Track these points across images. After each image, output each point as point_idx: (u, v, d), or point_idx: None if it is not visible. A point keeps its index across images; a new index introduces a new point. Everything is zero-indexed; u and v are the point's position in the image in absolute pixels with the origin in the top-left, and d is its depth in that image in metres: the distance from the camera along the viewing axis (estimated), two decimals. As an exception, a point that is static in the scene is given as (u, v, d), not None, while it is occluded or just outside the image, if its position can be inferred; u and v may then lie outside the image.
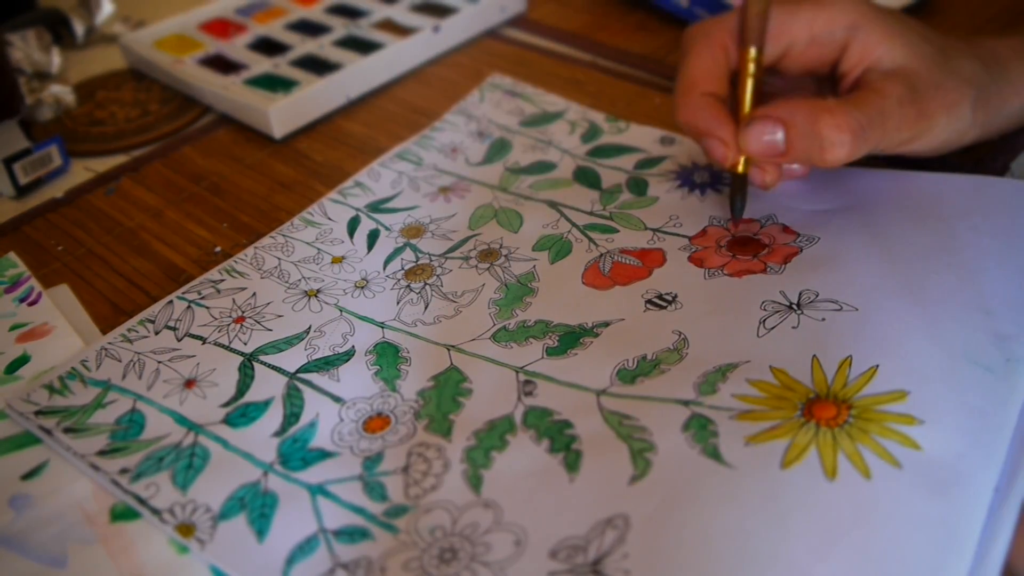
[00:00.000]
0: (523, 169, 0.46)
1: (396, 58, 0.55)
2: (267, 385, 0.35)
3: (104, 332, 0.38)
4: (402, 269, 0.40)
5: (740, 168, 0.38)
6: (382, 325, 0.37)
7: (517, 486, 0.30)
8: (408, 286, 0.39)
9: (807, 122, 0.35)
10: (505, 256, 0.40)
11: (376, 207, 0.44)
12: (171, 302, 0.39)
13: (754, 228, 0.40)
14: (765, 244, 0.38)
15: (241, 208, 0.45)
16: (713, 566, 0.26)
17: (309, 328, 0.37)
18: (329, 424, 0.33)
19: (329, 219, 0.43)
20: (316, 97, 0.51)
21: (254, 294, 0.39)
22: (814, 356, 0.32)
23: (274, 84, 0.52)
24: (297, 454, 0.32)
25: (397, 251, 0.41)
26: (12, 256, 0.42)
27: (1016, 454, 0.28)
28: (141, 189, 0.47)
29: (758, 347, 0.33)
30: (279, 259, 0.41)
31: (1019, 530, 0.26)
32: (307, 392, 0.34)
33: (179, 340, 0.37)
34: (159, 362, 0.36)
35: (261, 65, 0.54)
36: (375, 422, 0.33)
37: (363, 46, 0.56)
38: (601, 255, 0.39)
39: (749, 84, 0.38)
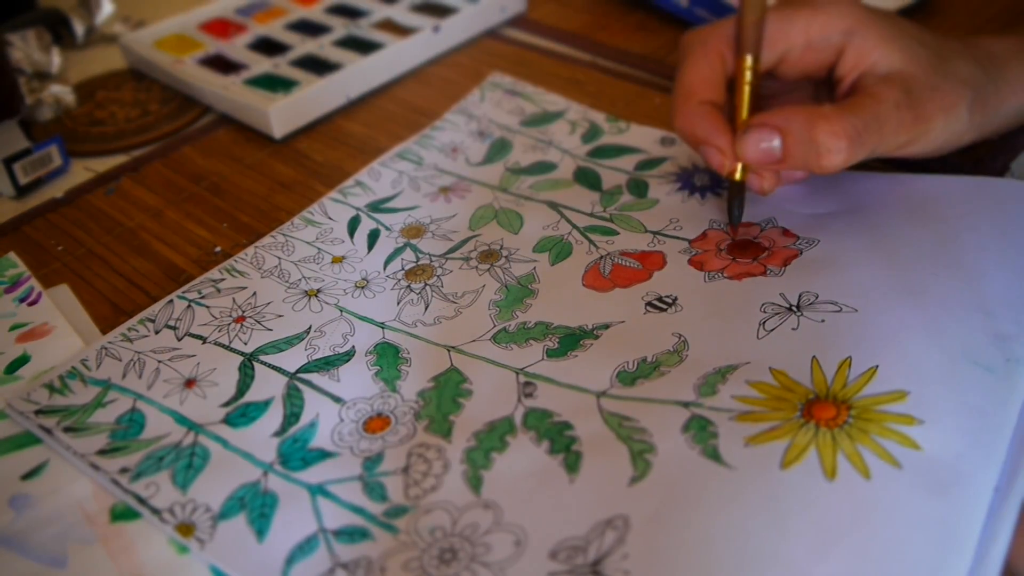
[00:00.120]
0: (523, 169, 0.46)
1: (396, 58, 0.55)
2: (267, 385, 0.35)
3: (104, 332, 0.38)
4: (402, 269, 0.40)
5: (738, 175, 0.38)
6: (382, 325, 0.37)
7: (517, 487, 0.30)
8: (408, 286, 0.39)
9: (803, 129, 0.35)
10: (505, 257, 0.40)
11: (376, 207, 0.44)
12: (171, 301, 0.39)
13: (754, 231, 0.40)
14: (765, 247, 0.38)
15: (241, 208, 0.45)
16: (713, 566, 0.26)
17: (309, 328, 0.37)
18: (329, 424, 0.33)
19: (329, 218, 0.43)
20: (316, 97, 0.51)
21: (254, 294, 0.39)
22: (814, 357, 0.32)
23: (274, 84, 0.52)
24: (297, 454, 0.32)
25: (397, 251, 0.41)
26: (12, 256, 0.42)
27: (1016, 454, 0.28)
28: (141, 189, 0.47)
29: (758, 349, 0.33)
30: (279, 258, 0.41)
31: (1019, 530, 0.26)
32: (307, 392, 0.34)
33: (179, 339, 0.37)
34: (159, 361, 0.36)
35: (261, 65, 0.54)
36: (375, 422, 0.33)
37: (363, 46, 0.56)
38: (601, 257, 0.39)
39: (746, 92, 0.38)
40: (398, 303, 0.38)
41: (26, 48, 0.56)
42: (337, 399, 0.34)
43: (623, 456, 0.30)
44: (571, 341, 0.35)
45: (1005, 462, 0.28)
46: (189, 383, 0.35)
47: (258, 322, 0.37)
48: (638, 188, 0.44)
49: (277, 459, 0.32)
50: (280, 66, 0.54)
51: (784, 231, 0.39)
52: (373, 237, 0.42)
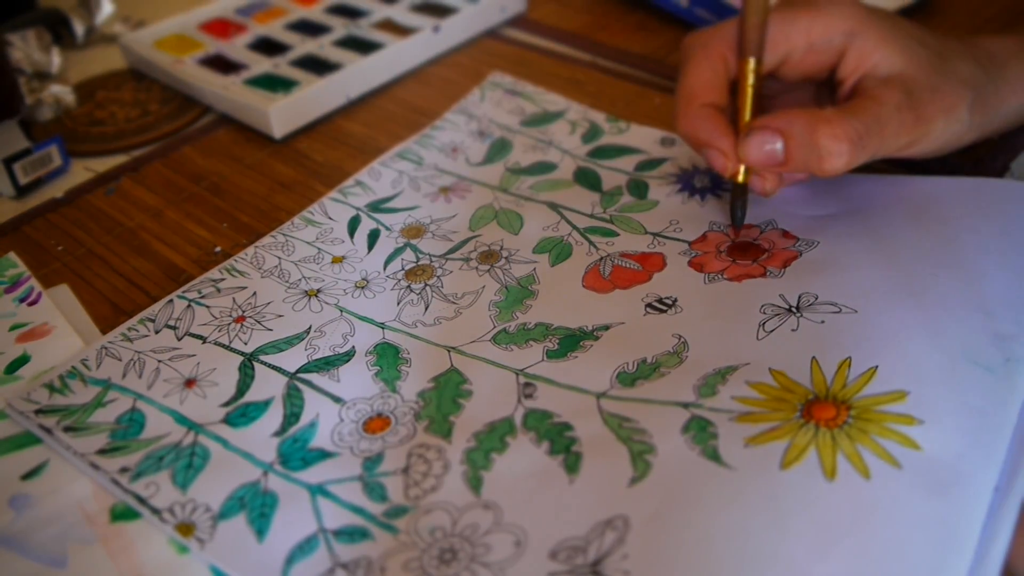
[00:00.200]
0: (524, 169, 0.46)
1: (396, 58, 0.55)
2: (267, 385, 0.35)
3: (104, 332, 0.38)
4: (402, 269, 0.40)
5: (740, 177, 0.38)
6: (382, 326, 0.37)
7: (517, 487, 0.30)
8: (408, 287, 0.39)
9: (805, 132, 0.35)
10: (505, 258, 0.40)
11: (376, 207, 0.44)
12: (171, 301, 0.39)
13: (754, 233, 0.40)
14: (765, 249, 0.38)
15: (241, 208, 0.45)
16: (713, 567, 0.26)
17: (309, 328, 0.37)
18: (329, 424, 0.33)
19: (329, 218, 0.43)
20: (316, 97, 0.51)
21: (254, 293, 0.39)
22: (813, 358, 0.32)
23: (274, 84, 0.52)
24: (297, 454, 0.32)
25: (397, 251, 0.41)
26: (12, 256, 0.42)
27: (1016, 454, 0.28)
28: (141, 189, 0.47)
29: (757, 350, 0.33)
30: (279, 258, 0.41)
31: (1019, 530, 0.26)
32: (307, 392, 0.34)
33: (179, 339, 0.37)
34: (159, 361, 0.36)
35: (261, 65, 0.54)
36: (375, 423, 0.33)
37: (363, 46, 0.56)
38: (601, 258, 0.39)
39: (748, 94, 0.38)
40: (398, 303, 0.38)
41: (26, 48, 0.56)
42: (337, 399, 0.34)
43: (623, 457, 0.30)
44: (571, 342, 0.35)
45: (1005, 462, 0.28)
46: (189, 383, 0.35)
47: (258, 322, 0.37)
48: (638, 189, 0.44)
49: (277, 459, 0.32)
50: (280, 66, 0.54)
51: (784, 233, 0.39)
52: (373, 237, 0.42)
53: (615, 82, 0.53)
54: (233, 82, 0.53)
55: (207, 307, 0.38)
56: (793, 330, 0.34)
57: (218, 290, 0.39)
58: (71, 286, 0.41)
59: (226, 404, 0.34)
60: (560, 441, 0.31)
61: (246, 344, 0.36)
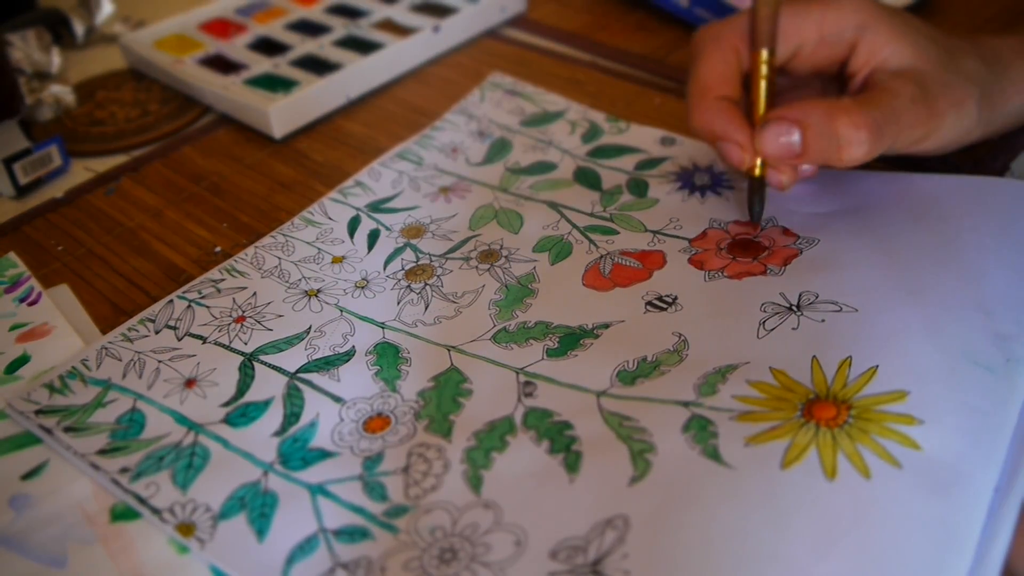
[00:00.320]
0: (523, 169, 0.46)
1: (396, 58, 0.55)
2: (267, 385, 0.35)
3: (104, 332, 0.38)
4: (402, 269, 0.40)
5: (757, 171, 0.38)
6: (382, 325, 0.37)
7: (517, 487, 0.30)
8: (408, 286, 0.39)
9: (824, 122, 0.35)
10: (505, 257, 0.40)
11: (376, 207, 0.44)
12: (171, 301, 0.39)
13: (754, 231, 0.40)
14: (765, 246, 0.38)
15: (241, 208, 0.45)
16: (713, 566, 0.26)
17: (309, 328, 0.37)
18: (329, 424, 0.33)
19: (329, 219, 0.43)
20: (316, 97, 0.51)
21: (254, 294, 0.39)
22: (814, 357, 0.32)
23: (274, 84, 0.52)
24: (297, 454, 0.32)
25: (397, 251, 0.41)
26: (12, 256, 0.42)
27: (1016, 454, 0.28)
28: (141, 189, 0.47)
29: (758, 348, 0.33)
30: (279, 259, 0.41)
31: (1019, 530, 0.26)
32: (307, 392, 0.34)
33: (179, 339, 0.37)
34: (159, 361, 0.36)
35: (261, 65, 0.54)
36: (375, 422, 0.33)
37: (363, 46, 0.56)
38: (601, 257, 0.39)
39: (762, 86, 0.38)
40: (398, 303, 0.38)
41: (26, 48, 0.56)
42: (337, 399, 0.34)
43: (623, 456, 0.30)
44: (571, 341, 0.35)
45: (1005, 462, 0.28)
46: (189, 383, 0.35)
47: (258, 322, 0.37)
48: (638, 188, 0.44)
49: (277, 459, 0.32)
50: (280, 66, 0.54)
51: (784, 230, 0.39)
52: (373, 237, 0.42)
53: (615, 82, 0.53)
54: (233, 82, 0.53)
55: (207, 307, 0.38)
56: (793, 329, 0.34)
57: (218, 290, 0.39)
58: (71, 286, 0.41)
59: (226, 404, 0.34)
60: (560, 440, 0.31)
61: (246, 344, 0.36)
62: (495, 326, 0.36)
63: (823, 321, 0.34)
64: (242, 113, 0.51)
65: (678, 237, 0.40)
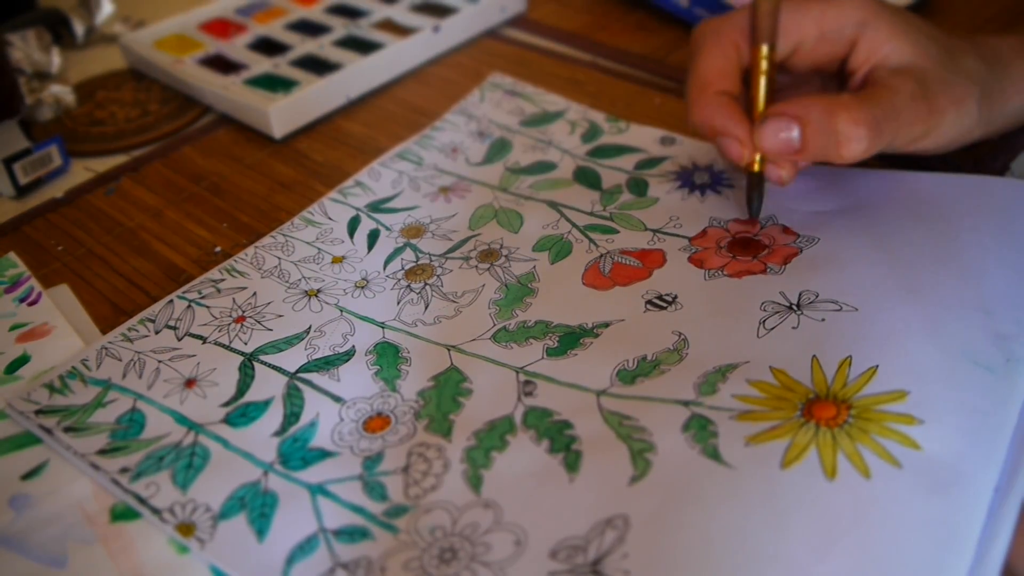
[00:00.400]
0: (523, 169, 0.46)
1: (396, 58, 0.55)
2: (267, 385, 0.35)
3: (104, 332, 0.38)
4: (402, 269, 0.40)
5: (756, 167, 0.38)
6: (382, 325, 0.37)
7: (517, 486, 0.30)
8: (408, 286, 0.39)
9: (823, 118, 0.34)
10: (505, 256, 0.40)
11: (376, 207, 0.44)
12: (171, 301, 0.39)
13: (754, 229, 0.40)
14: (765, 245, 0.38)
15: (241, 208, 0.45)
16: (713, 566, 0.26)
17: (309, 328, 0.37)
18: (329, 424, 0.33)
19: (329, 219, 0.43)
20: (316, 97, 0.51)
21: (254, 294, 0.39)
22: (814, 356, 0.32)
23: (274, 84, 0.52)
24: (297, 454, 0.32)
25: (397, 251, 0.41)
26: (12, 256, 0.42)
27: (1016, 454, 0.28)
28: (141, 189, 0.47)
29: (758, 347, 0.33)
30: (279, 259, 0.41)
31: (1019, 530, 0.26)
32: (307, 392, 0.34)
33: (179, 339, 0.37)
34: (159, 361, 0.36)
35: (261, 65, 0.54)
36: (375, 422, 0.33)
37: (363, 46, 0.56)
38: (601, 256, 0.39)
39: (762, 82, 0.38)
40: (398, 303, 0.38)
41: (26, 48, 0.56)
42: (337, 399, 0.34)
43: (623, 455, 0.30)
44: (571, 340, 0.35)
45: (1005, 462, 0.28)
46: (189, 383, 0.35)
47: (258, 322, 0.37)
48: (638, 187, 0.44)
49: (277, 459, 0.32)
50: (280, 66, 0.54)
51: (784, 229, 0.39)
52: (373, 237, 0.42)
53: (615, 82, 0.53)
54: (233, 82, 0.53)
55: (207, 307, 0.38)
56: (794, 328, 0.34)
57: (218, 290, 0.39)
58: (71, 286, 0.41)
59: (226, 404, 0.34)
60: (560, 439, 0.31)
61: (246, 344, 0.36)
62: (495, 325, 0.36)
63: (823, 320, 0.34)
64: (242, 113, 0.51)
65: (678, 236, 0.40)
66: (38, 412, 0.34)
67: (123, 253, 0.43)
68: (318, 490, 0.31)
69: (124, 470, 0.32)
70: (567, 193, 0.44)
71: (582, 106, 0.50)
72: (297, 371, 0.35)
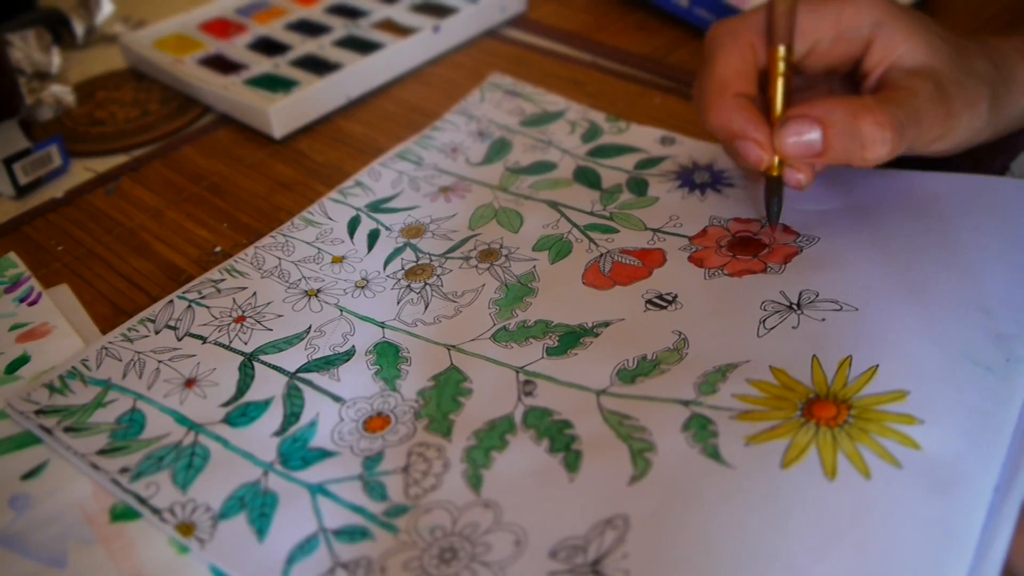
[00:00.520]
0: (523, 169, 0.46)
1: (396, 58, 0.55)
2: (267, 385, 0.35)
3: (104, 332, 0.38)
4: (402, 269, 0.40)
5: (775, 171, 0.37)
6: (382, 325, 0.37)
7: (517, 486, 0.30)
8: (408, 286, 0.39)
9: (847, 120, 0.34)
10: (505, 256, 0.40)
11: (376, 207, 0.44)
12: (171, 301, 0.39)
13: (754, 228, 0.40)
14: (765, 244, 0.38)
15: (241, 208, 0.45)
16: (713, 566, 0.26)
17: (309, 328, 0.37)
18: (329, 424, 0.33)
19: (329, 219, 0.43)
20: (316, 97, 0.51)
21: (254, 294, 0.39)
22: (814, 356, 0.32)
23: (274, 84, 0.52)
24: (297, 453, 0.32)
25: (397, 251, 0.41)
26: (12, 256, 0.42)
27: (1016, 454, 0.28)
28: (141, 189, 0.47)
29: (758, 347, 0.33)
30: (279, 259, 0.41)
31: (1019, 530, 0.26)
32: (307, 392, 0.34)
33: (179, 339, 0.37)
34: (159, 361, 0.36)
35: (261, 65, 0.54)
36: (375, 422, 0.33)
37: (363, 46, 0.56)
38: (601, 255, 0.39)
39: (780, 83, 0.37)
40: (398, 303, 0.38)
41: (26, 48, 0.56)
42: (337, 398, 0.34)
43: (623, 455, 0.30)
44: (571, 339, 0.35)
45: (1005, 462, 0.28)
46: (189, 383, 0.35)
47: (258, 322, 0.37)
48: (638, 186, 0.44)
49: (277, 459, 0.32)
50: (280, 66, 0.54)
51: (784, 228, 0.39)
52: (373, 237, 0.42)
53: (615, 82, 0.53)
54: (233, 82, 0.53)
55: (207, 307, 0.38)
56: (794, 327, 0.34)
57: (218, 290, 0.39)
58: (71, 286, 0.41)
59: (226, 404, 0.34)
60: (560, 439, 0.31)
61: (246, 344, 0.36)
62: (495, 325, 0.36)
63: (823, 320, 0.34)
64: (242, 113, 0.51)
65: (678, 235, 0.40)
66: (38, 412, 0.34)
67: (123, 253, 0.43)
68: (318, 490, 0.31)
69: (124, 470, 0.32)
70: (567, 193, 0.44)
71: (582, 106, 0.50)
72: (297, 371, 0.35)
